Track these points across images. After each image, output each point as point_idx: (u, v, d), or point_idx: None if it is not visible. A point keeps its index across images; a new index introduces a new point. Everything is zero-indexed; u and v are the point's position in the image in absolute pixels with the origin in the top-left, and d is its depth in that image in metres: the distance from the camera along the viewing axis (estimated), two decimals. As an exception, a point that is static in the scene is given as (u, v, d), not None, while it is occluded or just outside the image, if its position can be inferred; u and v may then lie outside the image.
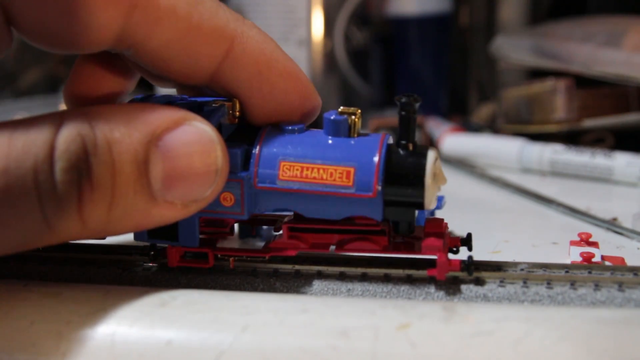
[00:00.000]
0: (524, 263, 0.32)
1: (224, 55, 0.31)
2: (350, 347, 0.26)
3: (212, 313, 0.28)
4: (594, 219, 0.44)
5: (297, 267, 0.33)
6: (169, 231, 0.31)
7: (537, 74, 0.69)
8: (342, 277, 0.32)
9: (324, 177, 0.30)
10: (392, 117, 0.70)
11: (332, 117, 0.30)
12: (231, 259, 0.33)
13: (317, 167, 0.30)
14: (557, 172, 0.57)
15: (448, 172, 0.44)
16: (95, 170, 0.26)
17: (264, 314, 0.28)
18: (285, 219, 0.32)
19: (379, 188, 0.29)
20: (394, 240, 0.31)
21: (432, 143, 0.67)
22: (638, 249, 0.39)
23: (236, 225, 0.40)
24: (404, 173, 0.29)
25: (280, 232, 0.32)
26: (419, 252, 0.30)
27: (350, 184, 0.29)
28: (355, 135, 0.31)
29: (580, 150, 0.56)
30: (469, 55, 0.83)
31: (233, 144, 0.30)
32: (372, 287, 0.31)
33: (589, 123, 0.60)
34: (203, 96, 0.33)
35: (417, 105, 0.29)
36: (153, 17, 0.29)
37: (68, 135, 0.26)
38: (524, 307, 0.29)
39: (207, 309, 0.29)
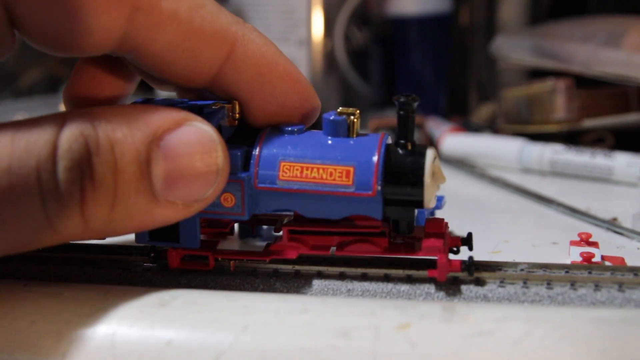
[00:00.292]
0: (524, 263, 0.32)
1: (225, 58, 0.31)
2: (350, 347, 0.26)
3: (212, 313, 0.28)
4: (594, 219, 0.44)
5: (297, 267, 0.33)
6: (170, 232, 0.31)
7: (537, 74, 0.69)
8: (342, 277, 0.32)
9: (324, 176, 0.30)
10: (392, 117, 0.70)
11: (331, 118, 0.31)
12: (232, 262, 0.33)
13: (317, 167, 0.30)
14: (557, 172, 0.57)
15: (448, 172, 0.44)
16: (97, 169, 0.27)
17: (264, 314, 0.28)
18: (285, 220, 0.32)
19: (379, 187, 0.29)
20: (394, 242, 0.31)
21: (432, 143, 0.67)
22: (638, 249, 0.39)
23: (236, 226, 0.41)
24: (403, 172, 0.29)
25: (280, 233, 0.32)
26: (420, 253, 0.30)
27: (350, 183, 0.30)
28: (354, 136, 0.31)
29: (580, 150, 0.56)
30: (469, 55, 0.83)
31: (233, 145, 0.31)
32: (372, 287, 0.31)
33: (589, 123, 0.60)
34: (203, 99, 0.33)
35: (416, 104, 0.30)
36: (155, 20, 0.29)
37: (70, 134, 0.27)
38: (524, 307, 0.29)
39: (207, 309, 0.29)
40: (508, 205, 0.50)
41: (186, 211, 0.29)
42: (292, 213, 0.32)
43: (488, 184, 0.56)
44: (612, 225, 0.43)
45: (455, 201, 0.44)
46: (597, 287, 0.30)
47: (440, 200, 0.40)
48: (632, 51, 0.57)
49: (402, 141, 0.30)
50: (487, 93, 0.81)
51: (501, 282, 0.31)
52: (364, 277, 0.32)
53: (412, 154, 0.30)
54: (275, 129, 0.32)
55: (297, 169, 0.30)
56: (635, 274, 0.31)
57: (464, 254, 0.32)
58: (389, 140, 0.31)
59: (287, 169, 0.30)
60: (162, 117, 0.28)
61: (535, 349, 0.25)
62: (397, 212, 0.30)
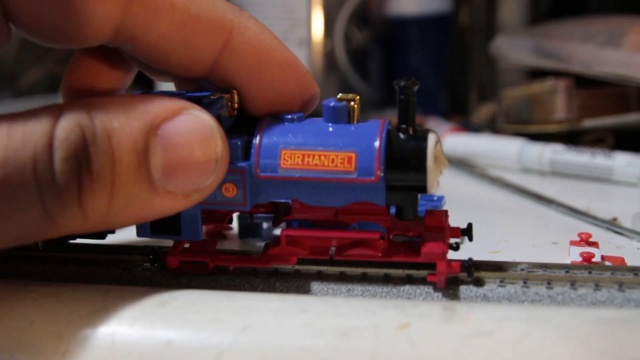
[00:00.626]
0: (524, 263, 0.32)
1: (222, 46, 0.31)
2: (350, 347, 0.26)
3: (212, 313, 0.28)
4: (594, 219, 0.44)
5: (297, 267, 0.33)
6: (171, 225, 0.31)
7: (537, 74, 0.69)
8: (342, 278, 0.32)
9: (326, 163, 0.30)
10: (392, 117, 0.70)
11: (331, 104, 0.30)
12: (231, 267, 0.33)
13: (318, 154, 0.30)
14: (557, 172, 0.57)
15: (448, 172, 0.43)
16: (94, 159, 0.26)
17: (264, 314, 0.28)
18: (283, 224, 0.32)
19: (381, 173, 0.29)
20: (394, 244, 0.31)
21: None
22: (638, 249, 0.39)
23: (236, 225, 0.41)
24: (406, 157, 0.29)
25: (279, 232, 0.32)
26: (419, 259, 0.30)
27: (352, 169, 0.29)
28: (355, 122, 0.30)
29: (580, 150, 0.56)
30: (469, 55, 0.83)
31: (233, 134, 0.30)
32: (372, 287, 0.31)
33: (589, 123, 0.60)
34: (202, 90, 0.33)
35: (416, 88, 0.29)
36: (151, 9, 0.29)
37: (67, 125, 0.26)
38: (524, 307, 0.29)
39: (207, 309, 0.29)
40: (508, 205, 0.50)
41: (186, 201, 0.29)
42: (290, 201, 0.32)
43: (488, 184, 0.56)
44: (612, 225, 0.43)
45: (455, 201, 0.44)
46: (597, 287, 0.30)
47: (440, 200, 0.40)
48: (632, 51, 0.57)
49: (403, 126, 0.30)
50: (487, 93, 0.81)
51: (501, 282, 0.31)
52: (363, 278, 0.32)
53: (414, 138, 0.29)
54: (275, 117, 0.31)
55: (298, 157, 0.30)
56: (635, 274, 0.31)
57: (463, 253, 0.32)
58: (390, 126, 0.31)
59: (288, 157, 0.30)
60: (160, 106, 0.28)
61: (535, 349, 0.25)
62: (400, 197, 0.30)
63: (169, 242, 0.33)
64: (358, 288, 0.31)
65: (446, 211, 0.32)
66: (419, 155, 0.29)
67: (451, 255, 0.31)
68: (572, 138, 0.62)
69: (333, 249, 0.32)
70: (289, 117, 0.31)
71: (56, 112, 0.27)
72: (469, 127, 0.70)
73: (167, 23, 0.29)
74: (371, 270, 0.32)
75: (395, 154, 0.29)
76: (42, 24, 0.28)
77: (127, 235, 0.36)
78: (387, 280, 0.31)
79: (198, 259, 0.32)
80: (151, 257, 0.33)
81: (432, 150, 0.29)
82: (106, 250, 0.35)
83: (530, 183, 0.53)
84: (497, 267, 0.32)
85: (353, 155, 0.29)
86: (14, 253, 0.34)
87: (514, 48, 0.69)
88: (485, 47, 0.77)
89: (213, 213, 0.33)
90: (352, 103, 0.30)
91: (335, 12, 0.78)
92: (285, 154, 0.30)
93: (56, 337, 0.28)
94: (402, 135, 0.30)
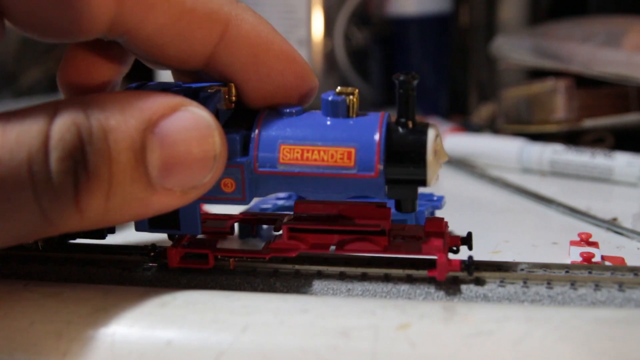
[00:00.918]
0: (524, 263, 0.32)
1: (218, 38, 0.30)
2: (350, 347, 0.26)
3: (212, 313, 0.28)
4: (594, 219, 0.44)
5: (297, 267, 0.33)
6: (170, 220, 0.31)
7: (537, 74, 0.69)
8: (342, 277, 0.32)
9: (325, 158, 0.29)
10: (392, 117, 0.70)
11: (330, 98, 0.30)
12: (231, 260, 0.33)
13: (318, 149, 0.30)
14: (557, 172, 0.57)
15: (448, 173, 0.43)
16: (91, 158, 0.26)
17: (264, 314, 0.28)
18: (285, 219, 0.32)
19: (381, 167, 0.29)
20: (394, 241, 0.31)
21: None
22: (638, 249, 0.39)
23: (236, 226, 0.41)
24: (405, 151, 0.29)
25: (280, 232, 0.32)
26: (420, 253, 0.30)
27: (352, 164, 0.29)
28: (354, 115, 0.30)
29: (580, 150, 0.56)
30: (469, 55, 0.83)
31: (231, 129, 0.30)
32: (372, 287, 0.31)
33: (589, 123, 0.60)
34: (199, 82, 0.32)
35: (415, 82, 0.29)
36: (146, 3, 0.29)
37: (63, 124, 0.26)
38: (524, 307, 0.29)
39: (207, 309, 0.29)
40: (508, 205, 0.50)
41: (184, 198, 0.29)
42: (291, 213, 0.32)
43: (488, 184, 0.56)
44: (612, 225, 0.43)
45: (456, 201, 0.44)
46: (597, 287, 0.30)
47: (440, 200, 0.40)
48: (632, 51, 0.57)
49: (402, 120, 0.30)
50: (487, 93, 0.81)
51: (501, 281, 0.31)
52: (363, 277, 0.32)
53: (413, 132, 0.29)
54: (273, 110, 0.31)
55: (297, 152, 0.30)
56: (635, 274, 0.31)
57: (463, 253, 0.32)
58: (390, 119, 0.31)
59: (287, 152, 0.30)
60: (157, 103, 0.28)
61: (535, 349, 0.25)
62: (400, 191, 0.30)
63: (168, 241, 0.33)
64: (358, 288, 0.31)
65: (446, 222, 0.32)
66: (418, 149, 0.29)
67: (451, 257, 0.31)
68: (572, 138, 0.62)
69: (333, 247, 0.32)
70: (288, 110, 0.31)
71: (51, 110, 0.26)
72: (469, 127, 0.70)
73: (162, 16, 0.29)
74: (371, 270, 0.32)
75: (395, 147, 0.29)
76: (36, 18, 0.28)
77: (127, 235, 0.36)
78: (387, 280, 0.31)
79: (199, 251, 0.32)
80: (152, 253, 0.33)
81: (432, 144, 0.29)
82: (106, 250, 0.35)
83: (530, 183, 0.53)
84: (497, 267, 0.32)
85: (352, 151, 0.29)
86: (14, 253, 0.34)
87: (514, 48, 0.69)
88: (485, 47, 0.77)
89: (214, 220, 0.33)
90: (351, 97, 0.30)
91: (335, 12, 0.78)
92: (284, 148, 0.30)
93: (56, 337, 0.28)
94: (401, 129, 0.29)
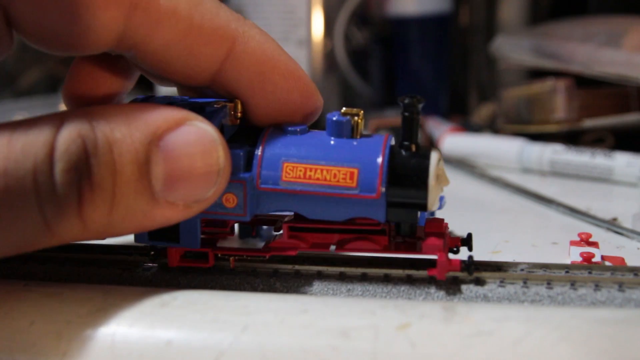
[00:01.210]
0: (524, 263, 0.32)
1: (225, 55, 0.31)
2: (350, 347, 0.26)
3: (212, 313, 0.28)
4: (594, 219, 0.44)
5: (297, 267, 0.33)
6: (169, 232, 0.31)
7: (537, 74, 0.69)
8: (342, 278, 0.32)
9: (327, 177, 0.30)
10: (392, 117, 0.70)
11: (334, 118, 0.30)
12: (231, 258, 0.33)
13: (321, 168, 0.30)
14: (557, 172, 0.57)
15: (448, 172, 0.43)
16: (95, 171, 0.26)
17: (264, 314, 0.28)
18: (286, 219, 0.32)
19: (383, 189, 0.29)
20: (395, 240, 0.31)
21: (432, 143, 0.67)
22: (638, 249, 0.39)
23: (236, 226, 0.40)
24: (408, 174, 0.29)
25: (281, 231, 0.32)
26: (420, 252, 0.30)
27: (354, 185, 0.29)
28: (358, 136, 0.31)
29: (580, 150, 0.56)
30: (469, 55, 0.83)
31: (235, 144, 0.30)
32: (372, 287, 0.31)
33: (589, 123, 0.60)
34: (204, 97, 0.33)
35: (421, 106, 0.29)
36: (154, 18, 0.29)
37: (68, 135, 0.26)
38: (524, 307, 0.29)
39: (207, 309, 0.29)
40: (508, 205, 0.50)
41: (186, 212, 0.29)
42: (292, 213, 0.32)
43: (488, 184, 0.56)
44: (612, 225, 0.43)
45: (456, 201, 0.44)
46: (597, 287, 0.30)
47: (440, 200, 0.40)
48: (632, 51, 0.57)
49: (406, 143, 0.30)
50: (487, 93, 0.81)
51: (501, 282, 0.31)
52: (363, 277, 0.32)
53: (416, 156, 0.30)
54: (278, 128, 0.32)
55: (300, 170, 0.30)
56: (635, 274, 0.31)
57: (463, 254, 0.32)
58: (393, 141, 0.31)
59: (290, 169, 0.30)
60: (162, 117, 0.28)
61: (535, 349, 0.25)
62: (400, 214, 0.30)
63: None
64: (358, 288, 0.31)
65: (446, 223, 0.32)
66: (421, 174, 0.29)
67: (451, 257, 0.31)
68: (572, 138, 0.62)
69: (334, 247, 0.32)
70: (292, 129, 0.31)
71: (57, 122, 0.27)
72: (469, 127, 0.70)
73: (170, 32, 0.29)
74: (371, 271, 0.32)
75: (397, 170, 0.29)
76: (44, 31, 0.28)
77: (126, 236, 0.36)
78: (387, 280, 0.31)
79: (199, 250, 0.32)
80: (152, 253, 0.33)
81: (434, 169, 0.29)
82: (106, 250, 0.35)
83: (530, 183, 0.53)
84: (497, 267, 0.32)
85: (355, 171, 0.29)
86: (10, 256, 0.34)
87: (514, 48, 0.69)
88: (485, 47, 0.77)
89: (215, 221, 0.33)
90: (356, 118, 0.30)
91: (335, 12, 0.78)
92: (287, 166, 0.30)
93: (56, 337, 0.28)
94: (404, 153, 0.30)
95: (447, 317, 0.27)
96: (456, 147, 0.63)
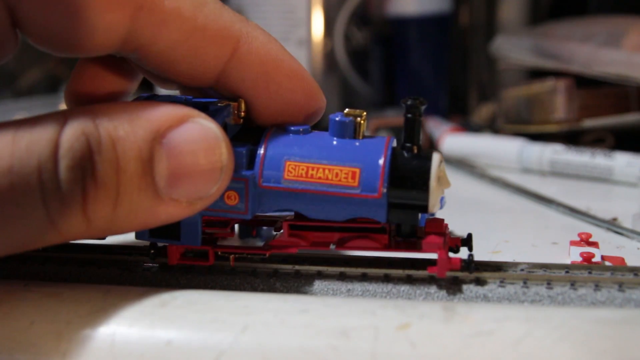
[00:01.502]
0: (524, 263, 0.32)
1: (229, 56, 0.31)
2: (350, 347, 0.26)
3: (212, 313, 0.28)
4: (594, 219, 0.44)
5: (297, 267, 0.33)
6: (170, 230, 0.31)
7: (537, 74, 0.69)
8: (342, 277, 0.32)
9: (329, 177, 0.30)
10: (392, 117, 0.70)
11: (337, 119, 0.30)
12: (231, 256, 0.33)
13: (323, 167, 0.30)
14: (557, 172, 0.57)
15: (448, 172, 0.43)
16: (99, 168, 0.26)
17: (264, 314, 0.28)
18: (287, 217, 0.32)
19: (384, 190, 0.29)
20: (395, 239, 0.31)
21: (432, 143, 0.67)
22: (638, 249, 0.39)
23: (237, 226, 0.40)
24: (409, 176, 0.29)
25: (281, 230, 0.32)
26: (420, 250, 0.30)
27: (356, 184, 0.29)
28: (361, 137, 0.31)
29: (580, 150, 0.56)
30: (469, 55, 0.83)
31: (238, 143, 0.30)
32: (372, 287, 0.31)
33: (589, 123, 0.60)
34: (207, 97, 0.33)
35: (423, 108, 0.29)
36: (158, 19, 0.29)
37: (72, 133, 0.26)
38: (524, 307, 0.29)
39: (207, 309, 0.29)
40: (508, 205, 0.50)
41: (190, 209, 0.29)
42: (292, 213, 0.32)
43: (488, 184, 0.56)
44: (612, 225, 0.43)
45: (456, 201, 0.44)
46: (597, 287, 0.30)
47: (440, 200, 0.40)
48: (632, 51, 0.57)
49: (408, 144, 0.30)
50: (487, 93, 0.81)
51: (501, 282, 0.31)
52: (364, 277, 0.32)
53: (418, 157, 0.30)
54: (281, 128, 0.32)
55: (302, 169, 0.30)
56: (636, 274, 0.31)
57: (463, 254, 0.32)
58: (394, 143, 0.31)
59: (292, 168, 0.30)
60: (165, 114, 0.28)
61: (535, 349, 0.25)
62: (401, 215, 0.30)
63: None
64: (358, 288, 0.31)
65: (446, 224, 0.32)
66: (422, 175, 0.29)
67: (452, 255, 0.31)
68: (572, 138, 0.62)
69: (334, 246, 0.32)
70: (295, 128, 0.31)
71: (61, 119, 0.27)
72: (469, 127, 0.70)
73: (174, 32, 0.29)
74: (371, 271, 0.32)
75: (399, 172, 0.29)
76: (49, 32, 0.28)
77: (127, 235, 0.36)
78: (387, 280, 0.31)
79: (199, 248, 0.32)
80: (152, 251, 0.33)
81: (435, 170, 0.29)
82: (106, 250, 0.35)
83: (530, 183, 0.53)
84: (498, 267, 0.32)
85: (357, 171, 0.30)
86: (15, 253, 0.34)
87: (514, 48, 0.69)
88: (485, 47, 0.77)
89: (215, 220, 0.33)
90: (359, 119, 0.31)
91: (335, 12, 0.78)
92: (289, 165, 0.30)
93: (56, 337, 0.28)
94: (406, 154, 0.30)
95: (447, 317, 0.27)
96: (456, 147, 0.63)
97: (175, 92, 0.35)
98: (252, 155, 0.31)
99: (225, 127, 0.31)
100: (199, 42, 0.30)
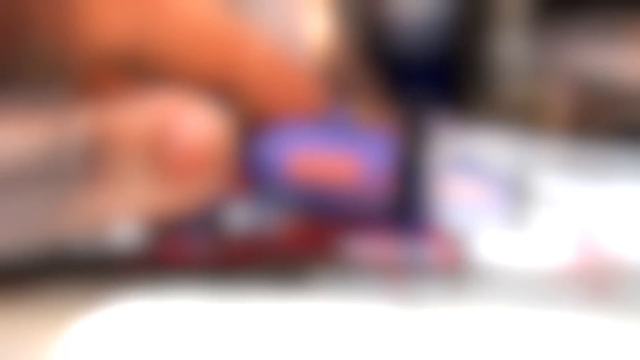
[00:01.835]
0: (522, 267, 0.32)
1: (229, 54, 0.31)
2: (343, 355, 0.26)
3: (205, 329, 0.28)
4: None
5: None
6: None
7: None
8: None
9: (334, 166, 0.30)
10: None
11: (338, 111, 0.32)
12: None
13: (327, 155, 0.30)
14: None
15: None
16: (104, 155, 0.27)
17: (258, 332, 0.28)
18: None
19: None
20: None
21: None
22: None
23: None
24: None
25: None
26: None
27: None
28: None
29: (579, 152, 0.56)
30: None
31: (243, 134, 0.31)
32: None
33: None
34: None
35: None
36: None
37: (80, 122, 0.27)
38: (522, 311, 0.29)
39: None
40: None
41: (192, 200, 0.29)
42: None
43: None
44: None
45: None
46: (595, 290, 0.30)
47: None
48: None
49: None
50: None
51: (500, 284, 0.31)
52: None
53: None
54: (285, 118, 0.32)
55: (306, 158, 0.30)
56: (634, 278, 0.31)
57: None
58: None
59: (296, 158, 0.31)
60: (167, 101, 0.29)
61: (535, 354, 0.25)
62: None
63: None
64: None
65: None
66: None
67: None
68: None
69: None
70: (298, 119, 0.31)
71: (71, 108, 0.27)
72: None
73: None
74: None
75: None
76: None
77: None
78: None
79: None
80: None
81: None
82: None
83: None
84: (498, 269, 0.32)
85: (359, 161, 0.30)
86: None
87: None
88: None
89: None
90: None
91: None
92: (292, 156, 0.30)
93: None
94: None
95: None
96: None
97: None
98: (255, 146, 0.31)
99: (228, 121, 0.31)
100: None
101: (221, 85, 0.32)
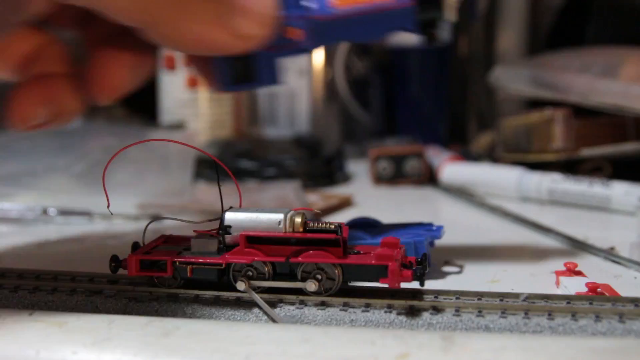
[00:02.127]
0: (525, 294, 0.32)
1: None
2: (351, 377, 0.26)
3: (214, 343, 0.29)
4: (591, 248, 0.44)
5: (300, 297, 0.33)
6: (249, 74, 0.34)
7: (535, 103, 0.70)
8: (345, 308, 0.32)
9: None
10: (392, 146, 0.70)
11: None
12: (189, 267, 0.33)
13: None
14: (555, 201, 0.57)
15: (447, 201, 0.44)
16: None
17: (266, 345, 0.28)
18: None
19: None
20: (350, 252, 0.33)
21: (431, 172, 0.67)
22: (635, 278, 0.40)
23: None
24: None
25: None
26: (372, 261, 0.32)
27: None
28: None
29: (578, 179, 0.56)
30: (468, 85, 0.84)
31: None
32: (374, 317, 0.32)
33: (587, 152, 0.61)
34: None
35: None
36: None
37: None
38: (523, 337, 0.29)
39: (210, 339, 0.29)
40: (507, 234, 0.50)
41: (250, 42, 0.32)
42: None
43: (487, 213, 0.56)
44: (610, 254, 0.43)
45: (455, 230, 0.44)
46: (597, 318, 0.30)
47: (439, 230, 0.41)
48: (629, 82, 0.58)
49: None
50: (486, 122, 0.82)
51: (502, 312, 0.31)
52: (367, 307, 0.32)
53: None
54: None
55: None
56: (636, 305, 0.31)
57: (462, 278, 0.32)
58: None
59: None
60: None
61: None
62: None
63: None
64: (361, 318, 0.32)
65: (403, 246, 0.33)
66: None
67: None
68: (570, 167, 0.62)
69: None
70: None
71: None
72: (468, 155, 0.71)
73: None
74: (374, 301, 0.32)
75: None
76: None
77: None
78: (389, 310, 0.32)
79: (157, 258, 0.33)
80: (113, 264, 0.34)
81: None
82: (112, 281, 0.35)
83: (529, 212, 0.54)
84: (498, 297, 0.32)
85: None
86: (21, 284, 0.35)
87: (512, 78, 0.70)
88: (484, 77, 0.78)
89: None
90: None
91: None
92: None
93: (62, 367, 0.28)
94: None
95: (445, 347, 0.27)
96: (455, 176, 0.64)
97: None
98: None
99: None
100: None
101: None
